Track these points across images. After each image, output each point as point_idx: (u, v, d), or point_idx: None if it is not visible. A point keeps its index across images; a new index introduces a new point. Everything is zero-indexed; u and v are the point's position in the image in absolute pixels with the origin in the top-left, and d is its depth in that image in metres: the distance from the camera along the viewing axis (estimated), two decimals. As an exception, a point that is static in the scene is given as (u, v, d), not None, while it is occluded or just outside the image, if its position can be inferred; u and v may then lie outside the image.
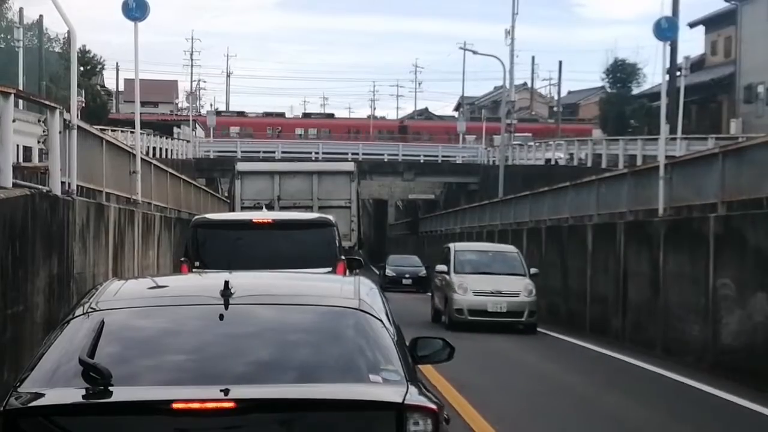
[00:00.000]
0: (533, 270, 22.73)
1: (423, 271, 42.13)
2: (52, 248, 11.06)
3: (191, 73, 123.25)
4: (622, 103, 59.71)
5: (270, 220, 14.15)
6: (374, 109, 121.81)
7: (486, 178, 58.98)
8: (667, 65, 26.57)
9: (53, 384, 4.32)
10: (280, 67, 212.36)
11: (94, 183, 14.90)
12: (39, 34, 40.20)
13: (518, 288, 21.63)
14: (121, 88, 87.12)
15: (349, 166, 28.24)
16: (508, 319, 21.31)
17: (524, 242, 30.09)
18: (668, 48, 24.38)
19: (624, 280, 20.14)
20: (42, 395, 4.23)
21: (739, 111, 50.20)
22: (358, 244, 27.17)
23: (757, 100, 49.05)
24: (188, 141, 63.58)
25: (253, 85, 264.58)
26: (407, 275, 43.07)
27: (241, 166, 27.99)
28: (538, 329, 21.63)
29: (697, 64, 55.79)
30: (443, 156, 67.84)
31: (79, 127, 13.37)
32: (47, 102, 12.54)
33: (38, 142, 12.95)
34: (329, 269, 12.70)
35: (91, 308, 4.88)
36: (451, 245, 24.47)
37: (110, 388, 4.20)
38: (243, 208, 24.99)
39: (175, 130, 65.39)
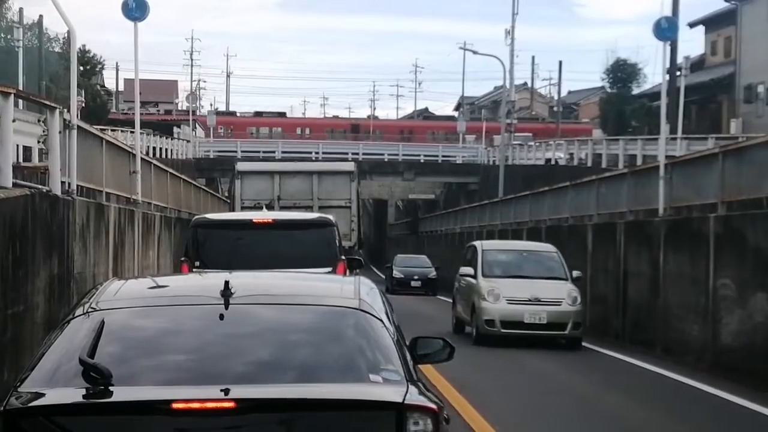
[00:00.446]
0: (576, 273, 19.38)
1: (433, 273, 40.01)
2: (52, 248, 11.06)
3: (191, 73, 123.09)
4: (622, 103, 59.71)
5: (270, 220, 14.16)
6: (374, 109, 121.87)
7: (486, 178, 58.98)
8: (667, 65, 26.58)
9: (53, 384, 4.32)
10: (280, 67, 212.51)
11: (94, 183, 14.90)
12: (39, 34, 40.18)
13: (560, 295, 18.41)
14: (121, 88, 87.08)
15: (349, 166, 28.25)
16: (549, 332, 18.13)
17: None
18: (668, 48, 24.38)
19: (624, 280, 20.15)
20: (42, 395, 4.23)
21: (739, 111, 50.20)
22: (358, 244, 27.18)
23: (757, 100, 49.04)
24: (188, 141, 63.57)
25: (253, 85, 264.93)
26: (416, 277, 40.21)
27: (241, 166, 28.01)
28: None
29: (697, 64, 55.79)
30: (443, 156, 67.85)
31: (79, 126, 13.38)
32: (47, 102, 12.54)
33: (38, 141, 12.96)
34: (329, 269, 12.70)
35: (92, 308, 4.89)
36: (477, 244, 21.09)
37: (110, 388, 4.20)
38: (243, 208, 25.00)
39: (175, 129, 65.36)
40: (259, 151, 62.34)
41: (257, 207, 21.33)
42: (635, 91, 61.44)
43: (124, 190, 17.76)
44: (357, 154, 62.62)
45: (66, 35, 33.83)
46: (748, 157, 15.73)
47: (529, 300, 18.22)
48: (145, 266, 18.17)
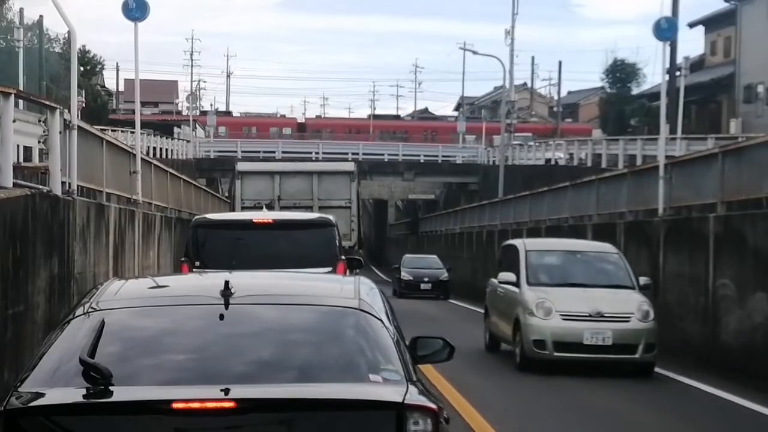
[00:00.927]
0: (643, 279, 15.62)
1: (445, 274, 36.95)
2: (53, 248, 11.07)
3: (191, 73, 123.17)
4: (621, 103, 59.77)
5: (270, 220, 14.16)
6: (374, 109, 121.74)
7: (486, 178, 58.98)
8: (667, 65, 26.59)
9: (54, 384, 4.33)
10: (280, 67, 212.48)
11: (94, 183, 14.91)
12: (39, 35, 40.17)
13: (628, 308, 14.65)
14: (121, 88, 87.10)
15: (349, 166, 28.25)
16: (615, 356, 14.43)
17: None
18: (668, 48, 24.39)
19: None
20: (42, 395, 4.24)
21: (739, 111, 50.21)
22: (358, 244, 27.18)
23: (756, 100, 49.06)
24: (188, 141, 63.58)
25: (253, 85, 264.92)
26: (426, 279, 36.82)
27: (241, 166, 28.01)
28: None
29: (697, 64, 55.80)
30: (443, 156, 67.86)
31: (79, 127, 13.39)
32: (47, 102, 12.55)
33: (38, 142, 12.97)
34: (329, 269, 12.70)
35: (92, 308, 4.89)
36: (518, 243, 17.07)
37: (111, 388, 4.21)
38: (243, 208, 24.99)
39: (176, 130, 65.39)
40: (259, 151, 62.36)
41: (257, 207, 21.33)
42: (635, 91, 61.51)
43: (125, 190, 17.77)
44: (357, 154, 62.61)
45: (66, 35, 33.85)
46: (747, 157, 15.75)
47: (590, 315, 14.47)
48: (145, 266, 18.17)
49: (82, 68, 48.86)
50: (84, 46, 60.70)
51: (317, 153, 63.10)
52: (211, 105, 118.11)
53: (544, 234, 27.81)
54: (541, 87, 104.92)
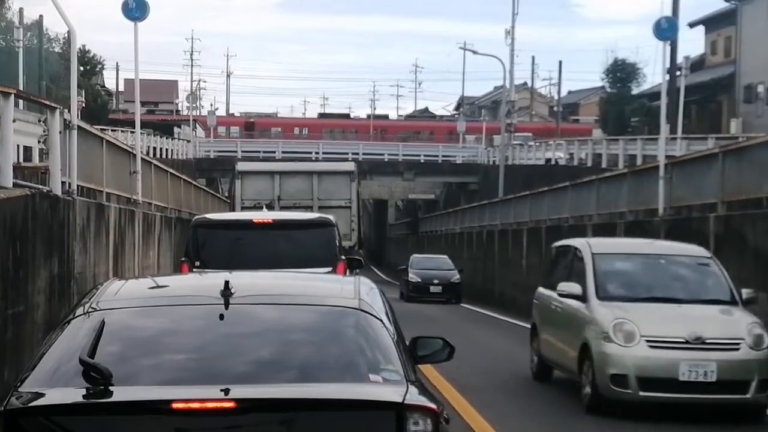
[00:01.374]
0: (746, 292, 11.96)
1: (456, 276, 34.16)
2: (53, 248, 11.07)
3: (191, 73, 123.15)
4: (622, 102, 59.78)
5: (270, 220, 14.16)
6: (374, 109, 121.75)
7: (486, 178, 59.00)
8: (667, 65, 26.58)
9: (54, 384, 4.33)
10: (280, 67, 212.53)
11: (94, 183, 14.91)
12: (39, 34, 40.18)
13: (736, 331, 11.07)
14: (121, 88, 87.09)
15: (350, 166, 28.27)
16: (719, 396, 10.88)
17: (524, 242, 30.13)
18: (668, 48, 24.39)
19: (624, 280, 20.10)
20: (42, 395, 4.24)
21: (739, 111, 50.21)
22: (358, 244, 27.19)
23: (757, 100, 49.06)
24: (188, 141, 63.60)
25: (253, 85, 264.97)
26: (436, 281, 33.99)
27: (241, 166, 28.03)
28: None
29: (697, 64, 55.80)
30: (443, 156, 67.87)
31: (79, 127, 13.39)
32: (47, 102, 12.55)
33: (38, 142, 12.97)
34: (329, 269, 12.70)
35: (92, 308, 4.89)
36: (581, 244, 13.01)
37: (110, 388, 4.21)
38: (243, 208, 25.00)
39: (176, 130, 65.42)
40: (259, 151, 62.35)
41: (257, 207, 21.34)
42: (635, 91, 61.53)
43: (125, 190, 17.77)
44: (357, 154, 62.61)
45: (66, 35, 33.87)
46: (747, 157, 15.75)
47: (686, 341, 10.84)
48: (145, 266, 18.17)
49: (82, 68, 48.88)
50: (84, 46, 60.79)
51: (317, 153, 63.11)
52: (211, 105, 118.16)
53: (545, 234, 27.76)
54: (541, 87, 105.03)
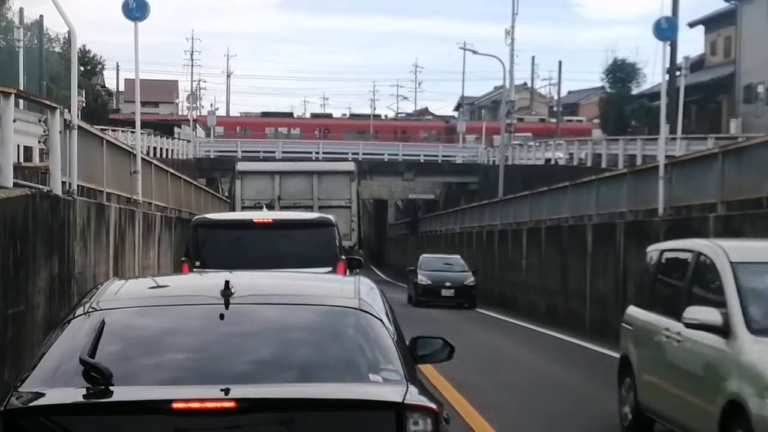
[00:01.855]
0: None
1: (470, 278, 31.53)
2: (53, 248, 11.07)
3: (191, 73, 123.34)
4: (621, 102, 59.78)
5: (270, 220, 14.16)
6: (374, 109, 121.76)
7: (486, 178, 59.01)
8: (667, 65, 26.59)
9: (54, 383, 4.33)
10: (280, 67, 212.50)
11: (94, 183, 14.92)
12: (39, 34, 40.19)
13: None
14: (122, 88, 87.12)
15: (350, 166, 28.30)
16: None
17: (524, 242, 30.13)
18: (668, 48, 24.40)
19: (624, 280, 20.14)
20: (43, 395, 4.24)
21: (739, 111, 50.21)
22: (358, 244, 27.22)
23: (756, 100, 49.06)
24: (189, 141, 63.61)
25: (253, 85, 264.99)
26: (448, 283, 31.29)
27: (241, 166, 28.06)
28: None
29: (697, 64, 55.80)
30: (443, 156, 67.87)
31: (79, 127, 13.39)
32: (48, 102, 12.55)
33: (39, 142, 12.97)
34: (329, 269, 12.70)
35: (92, 308, 4.90)
36: (712, 249, 8.83)
37: (111, 388, 4.22)
38: (243, 208, 25.04)
39: (176, 130, 65.43)
40: (259, 151, 62.34)
41: (257, 207, 21.36)
42: (635, 91, 61.54)
43: (125, 190, 17.77)
44: (357, 154, 62.61)
45: (66, 35, 33.87)
46: (747, 157, 15.75)
47: None
48: (145, 266, 18.18)
49: (82, 68, 48.89)
50: (84, 46, 60.86)
51: (317, 153, 63.11)
52: (212, 105, 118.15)
53: (544, 234, 27.76)
54: (541, 87, 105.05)
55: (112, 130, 38.16)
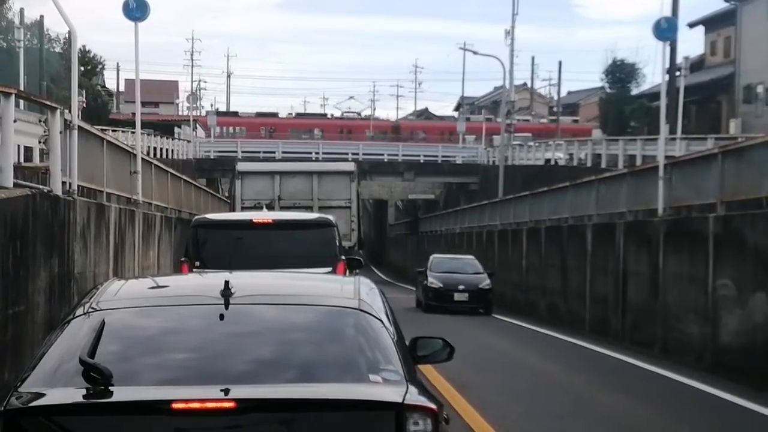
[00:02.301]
0: None
1: (486, 281, 28.79)
2: (53, 248, 11.08)
3: (191, 73, 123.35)
4: (621, 103, 59.81)
5: (270, 220, 14.16)
6: (374, 109, 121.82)
7: (486, 178, 59.02)
8: (667, 65, 26.60)
9: (54, 384, 4.33)
10: (280, 67, 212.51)
11: (94, 183, 14.92)
12: (39, 35, 40.24)
13: None
14: (122, 88, 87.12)
15: (350, 166, 28.29)
16: None
17: (524, 242, 30.12)
18: (668, 48, 24.41)
19: (623, 280, 20.15)
20: (43, 395, 4.24)
21: (739, 111, 50.23)
22: (358, 244, 27.20)
23: (756, 100, 49.08)
24: (189, 141, 63.61)
25: (253, 86, 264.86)
26: (461, 286, 28.45)
27: (241, 166, 28.05)
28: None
29: (697, 64, 55.81)
30: (443, 156, 67.87)
31: (79, 127, 13.39)
32: (48, 102, 12.56)
33: (39, 142, 12.98)
34: (329, 269, 12.71)
35: (92, 308, 4.90)
36: None
37: (111, 388, 4.21)
38: (243, 208, 25.04)
39: (176, 130, 65.43)
40: (259, 152, 62.36)
41: (257, 207, 21.37)
42: (634, 91, 61.60)
43: (125, 190, 17.77)
44: (357, 154, 62.62)
45: (67, 35, 33.89)
46: (747, 157, 15.75)
47: None
48: (145, 266, 18.18)
49: (82, 68, 48.88)
50: (84, 46, 60.88)
51: (317, 153, 63.11)
52: (212, 105, 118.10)
53: (544, 234, 27.73)
54: (541, 87, 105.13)
55: (113, 131, 38.17)
